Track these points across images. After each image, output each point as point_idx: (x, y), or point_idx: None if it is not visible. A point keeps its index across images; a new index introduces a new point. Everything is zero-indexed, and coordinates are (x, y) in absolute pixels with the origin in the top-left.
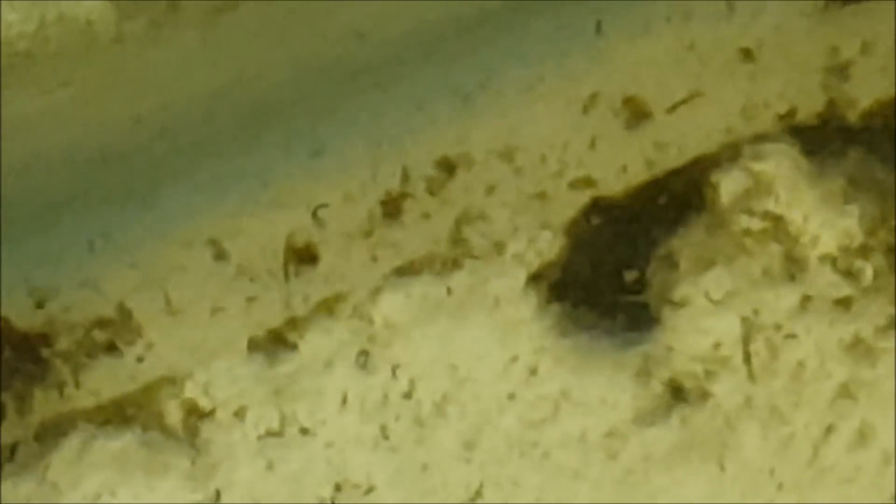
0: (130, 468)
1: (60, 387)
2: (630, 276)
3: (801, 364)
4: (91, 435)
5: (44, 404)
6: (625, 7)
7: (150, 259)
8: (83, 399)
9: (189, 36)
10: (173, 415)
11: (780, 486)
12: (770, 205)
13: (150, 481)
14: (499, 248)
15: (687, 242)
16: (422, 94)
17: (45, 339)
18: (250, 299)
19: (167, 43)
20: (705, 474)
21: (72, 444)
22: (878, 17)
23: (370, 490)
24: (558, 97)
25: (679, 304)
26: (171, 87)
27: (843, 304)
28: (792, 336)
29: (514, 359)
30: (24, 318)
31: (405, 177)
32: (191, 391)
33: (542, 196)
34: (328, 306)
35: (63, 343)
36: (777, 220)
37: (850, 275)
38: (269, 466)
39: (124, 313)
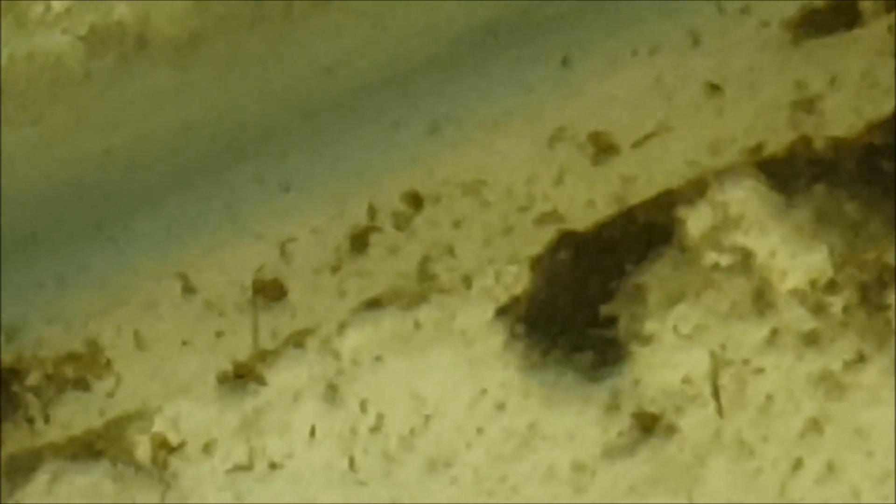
0: (100, 502)
1: (30, 421)
2: (598, 310)
3: (769, 398)
4: (61, 469)
5: (14, 439)
6: (591, 41)
7: (120, 293)
8: (53, 433)
9: (158, 72)
10: (143, 449)
11: None
12: (738, 239)
13: None
14: (466, 282)
15: (655, 277)
16: (389, 128)
17: (15, 373)
18: (219, 333)
19: (136, 79)
20: None
21: (41, 478)
22: (847, 51)
23: None
24: (525, 131)
25: (647, 339)
26: (141, 122)
27: (812, 338)
28: (760, 370)
29: (483, 393)
30: None
31: (372, 211)
32: (160, 425)
33: (509, 230)
34: (296, 340)
35: (33, 378)
36: (745, 254)
37: (819, 309)
38: (238, 500)
39: (94, 348)
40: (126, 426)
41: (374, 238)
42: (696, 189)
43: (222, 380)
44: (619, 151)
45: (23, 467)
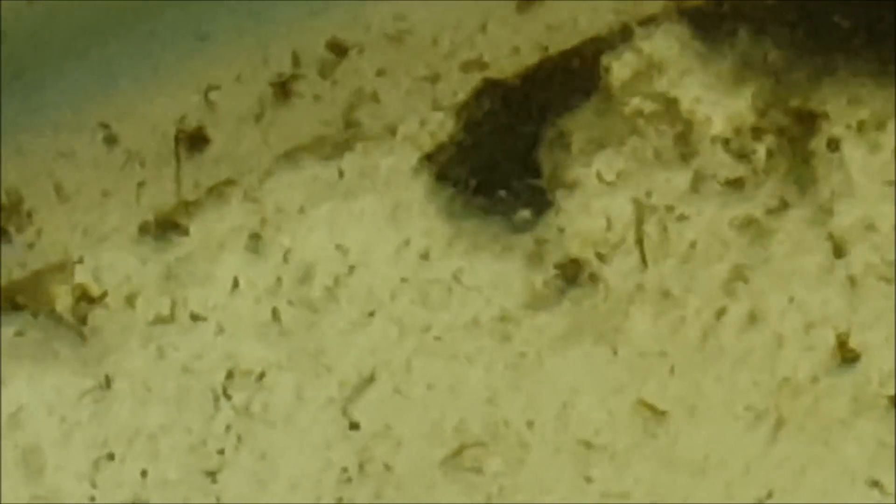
0: (21, 355)
1: None
2: (522, 158)
3: (692, 246)
4: None
5: None
6: None
7: (40, 144)
8: None
9: None
10: (63, 301)
11: (671, 369)
12: (662, 86)
13: (39, 368)
14: (390, 129)
15: (579, 124)
16: None
17: None
18: (141, 184)
19: None
20: (597, 357)
21: None
22: None
23: (262, 376)
24: None
25: (571, 186)
26: None
27: (736, 185)
28: (684, 217)
29: (406, 242)
30: None
31: (296, 59)
32: (81, 277)
33: (433, 78)
34: (219, 190)
35: None
36: (668, 101)
37: (742, 156)
38: (160, 353)
39: (14, 199)
40: (47, 278)
41: (297, 86)
42: (620, 36)
43: (144, 230)
44: None
45: None
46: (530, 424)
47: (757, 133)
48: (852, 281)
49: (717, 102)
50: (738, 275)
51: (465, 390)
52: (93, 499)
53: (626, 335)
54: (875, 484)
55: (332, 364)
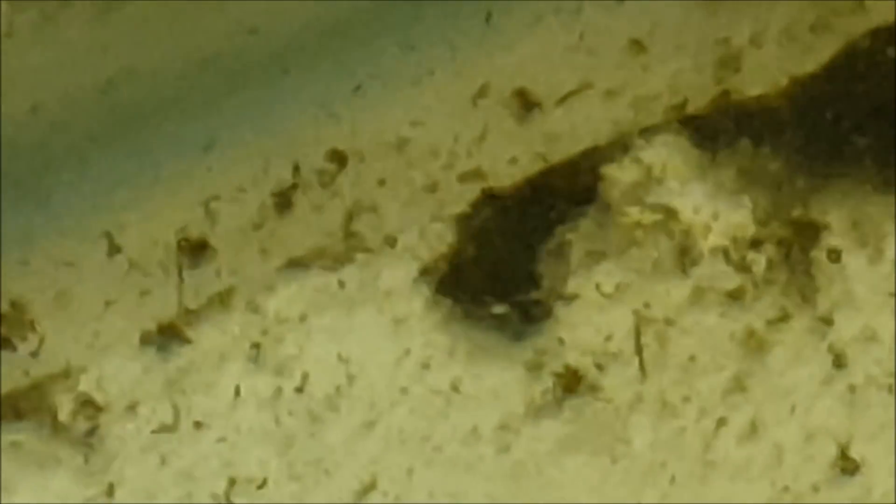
0: (25, 463)
1: None
2: (522, 269)
3: (692, 357)
4: None
5: None
6: None
7: (43, 253)
8: None
9: (81, 29)
10: (67, 409)
11: (672, 480)
12: (661, 197)
13: (43, 476)
14: (390, 240)
15: (578, 235)
16: (313, 86)
17: None
18: (143, 293)
19: (59, 36)
20: (596, 467)
21: None
22: (769, 7)
23: (263, 484)
24: (449, 89)
25: (570, 298)
26: (64, 80)
27: (735, 296)
28: (683, 329)
29: (406, 352)
30: None
31: (296, 169)
32: (84, 385)
33: (433, 188)
34: (221, 300)
35: None
36: (668, 212)
37: (742, 267)
38: (163, 461)
39: (17, 308)
40: (50, 387)
41: (298, 196)
42: (620, 147)
43: (146, 339)
44: (542, 109)
45: None
46: None
47: (757, 244)
48: (853, 391)
49: (717, 213)
50: (738, 385)
51: (466, 499)
52: None
53: (626, 445)
54: None
55: (333, 472)
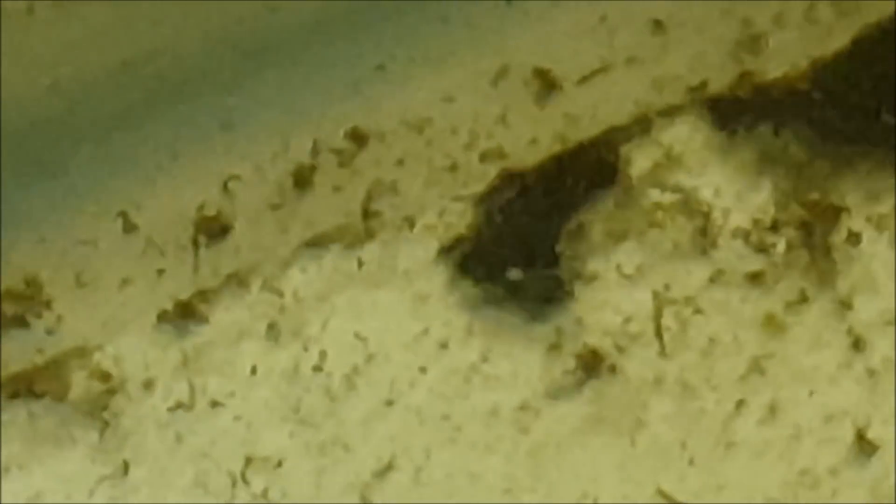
0: (39, 441)
1: None
2: (541, 249)
3: (712, 339)
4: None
5: None
6: None
7: (60, 231)
8: None
9: (100, 8)
10: (82, 387)
11: (691, 461)
12: (681, 178)
13: (58, 454)
14: (409, 220)
15: (598, 216)
16: (332, 65)
17: None
18: (160, 271)
19: (78, 15)
20: (616, 448)
21: None
22: None
23: (280, 463)
24: (469, 69)
25: (590, 278)
26: (83, 58)
27: (755, 278)
28: (703, 310)
29: (425, 332)
30: None
31: (316, 149)
32: (100, 363)
33: (453, 168)
34: (238, 278)
35: None
36: (688, 193)
37: (761, 249)
38: (178, 439)
39: (34, 286)
40: (66, 364)
41: (317, 176)
42: (640, 127)
43: (163, 318)
44: (562, 89)
45: None
46: None
47: (777, 226)
48: (871, 374)
49: (737, 195)
50: (758, 367)
51: (484, 480)
52: None
53: (646, 426)
54: None
55: (351, 451)
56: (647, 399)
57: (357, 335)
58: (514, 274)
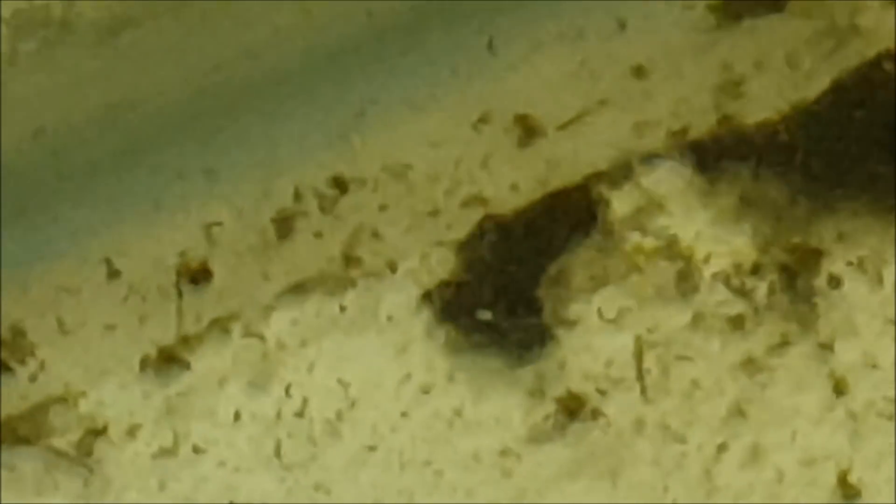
0: (23, 488)
1: None
2: (523, 295)
3: (693, 382)
4: None
5: None
6: (517, 24)
7: (43, 278)
8: None
9: (83, 56)
10: (65, 434)
11: None
12: (662, 222)
13: (42, 500)
14: (391, 266)
15: (579, 261)
16: (314, 112)
17: None
18: (143, 318)
19: (61, 63)
20: (599, 492)
21: None
22: (771, 33)
23: None
24: (451, 114)
25: (572, 323)
26: (66, 106)
27: (736, 322)
28: (685, 354)
29: (407, 377)
30: None
31: (298, 195)
32: (84, 410)
33: (434, 214)
34: (221, 325)
35: None
36: (669, 238)
37: (742, 293)
38: (162, 486)
39: (17, 333)
40: (49, 411)
41: (299, 221)
42: (621, 172)
43: (146, 364)
44: (544, 135)
45: None
46: None
47: (758, 270)
48: (853, 417)
49: (718, 239)
50: (739, 411)
51: None
52: None
53: (628, 470)
54: None
55: (334, 497)
56: (629, 443)
57: (339, 381)
58: (484, 314)
